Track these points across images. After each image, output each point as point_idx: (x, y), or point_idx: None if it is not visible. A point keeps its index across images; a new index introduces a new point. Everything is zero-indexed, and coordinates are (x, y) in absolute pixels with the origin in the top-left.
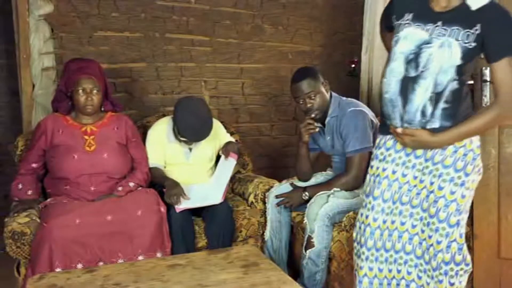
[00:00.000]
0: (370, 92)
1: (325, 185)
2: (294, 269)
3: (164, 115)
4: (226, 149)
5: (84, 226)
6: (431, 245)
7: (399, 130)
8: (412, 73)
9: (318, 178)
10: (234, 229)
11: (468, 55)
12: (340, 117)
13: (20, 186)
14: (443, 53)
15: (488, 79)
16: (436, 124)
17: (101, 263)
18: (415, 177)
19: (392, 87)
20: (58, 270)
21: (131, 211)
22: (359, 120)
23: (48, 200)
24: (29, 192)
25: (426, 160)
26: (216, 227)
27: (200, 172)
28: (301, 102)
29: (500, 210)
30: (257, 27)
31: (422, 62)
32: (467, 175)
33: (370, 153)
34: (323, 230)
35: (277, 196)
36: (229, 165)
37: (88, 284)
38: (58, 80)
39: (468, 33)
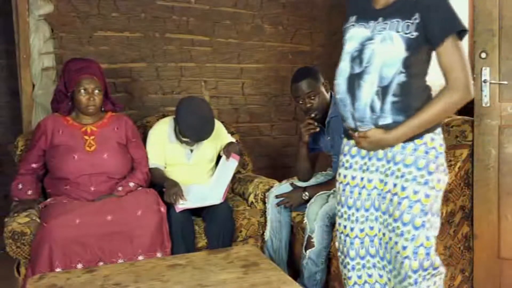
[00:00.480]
0: None
1: (325, 185)
2: (294, 269)
3: (164, 115)
4: (227, 150)
5: (84, 226)
6: (398, 252)
7: (355, 135)
8: (357, 70)
9: (318, 178)
10: (234, 229)
11: (412, 46)
12: (340, 118)
13: (20, 186)
14: (385, 46)
15: (488, 79)
16: (388, 119)
17: (101, 263)
18: (381, 181)
19: (341, 87)
20: (58, 270)
21: (131, 211)
22: None
23: (48, 200)
24: (29, 192)
25: (388, 162)
26: (216, 227)
27: (200, 172)
28: (301, 102)
29: (500, 210)
30: (257, 27)
31: (366, 57)
32: (430, 173)
33: None
34: (323, 230)
35: (277, 196)
36: (230, 166)
37: (88, 284)
38: (58, 80)
39: (407, 23)
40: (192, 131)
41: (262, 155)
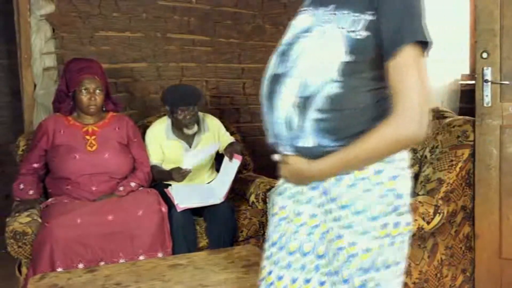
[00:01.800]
0: None
1: None
2: None
3: (165, 115)
4: (229, 150)
5: (85, 226)
6: None
7: (276, 157)
8: (280, 70)
9: None
10: (235, 229)
11: (356, 49)
12: None
13: (21, 186)
14: (319, 44)
15: (489, 78)
16: (308, 141)
17: (102, 263)
18: (314, 215)
19: (262, 89)
20: (59, 270)
21: (132, 211)
22: None
23: (49, 200)
24: (31, 192)
25: (324, 193)
26: (217, 227)
27: (199, 170)
28: None
29: (501, 210)
30: (258, 27)
31: (293, 55)
32: (373, 219)
33: None
34: None
35: None
36: (233, 166)
37: (89, 284)
38: (59, 80)
39: (356, 18)
40: (178, 95)
41: (263, 155)
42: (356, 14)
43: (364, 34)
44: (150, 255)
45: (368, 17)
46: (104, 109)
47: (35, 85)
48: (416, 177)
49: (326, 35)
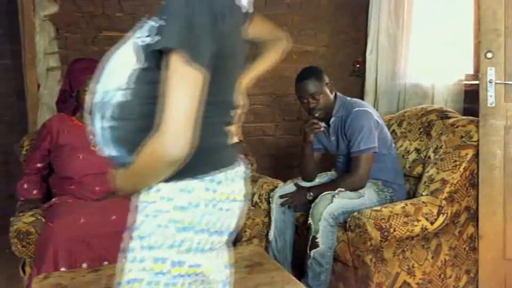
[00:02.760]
0: (376, 92)
1: (330, 185)
2: (298, 269)
3: None
4: None
5: (89, 226)
6: None
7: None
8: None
9: (322, 178)
10: (238, 229)
11: (139, 56)
12: (344, 117)
13: (25, 185)
14: (120, 53)
15: (493, 79)
16: (111, 151)
17: (105, 263)
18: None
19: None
20: (63, 269)
21: None
22: (364, 120)
23: (53, 199)
24: (34, 192)
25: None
26: None
27: None
28: (304, 102)
29: (505, 210)
30: None
31: (106, 66)
32: (149, 248)
33: (375, 153)
34: (327, 231)
35: (281, 196)
36: None
37: (93, 283)
38: (63, 80)
39: (152, 25)
40: None
41: (266, 155)
42: (154, 22)
43: (147, 40)
44: None
45: (158, 22)
46: None
47: (39, 85)
48: (419, 177)
49: (128, 43)
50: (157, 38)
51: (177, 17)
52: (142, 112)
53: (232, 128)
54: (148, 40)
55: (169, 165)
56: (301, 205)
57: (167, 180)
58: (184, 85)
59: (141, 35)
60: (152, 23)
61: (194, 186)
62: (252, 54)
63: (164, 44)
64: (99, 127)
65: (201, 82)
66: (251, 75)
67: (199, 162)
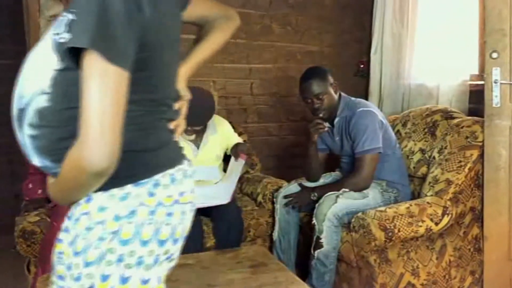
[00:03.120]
0: (380, 92)
1: (334, 186)
2: (302, 269)
3: None
4: (235, 150)
5: None
6: None
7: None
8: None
9: (326, 178)
10: (242, 229)
11: (59, 55)
12: (349, 118)
13: (30, 185)
14: (41, 47)
15: (498, 79)
16: (35, 160)
17: None
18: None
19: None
20: None
21: None
22: (368, 120)
23: None
24: (39, 192)
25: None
26: (224, 227)
27: None
28: (308, 102)
29: (510, 211)
30: (265, 27)
31: (28, 58)
32: (87, 265)
33: (379, 153)
34: (331, 231)
35: (285, 197)
36: (237, 166)
37: None
38: None
39: (68, 19)
40: (189, 114)
41: (270, 155)
42: (69, 15)
43: (66, 36)
44: None
45: (70, 17)
46: None
47: None
48: (424, 178)
49: (46, 40)
50: (68, 35)
51: (89, 9)
52: (63, 118)
53: (175, 124)
54: (67, 36)
55: (94, 176)
56: (305, 205)
57: (102, 188)
58: (101, 87)
59: (59, 31)
60: (70, 16)
61: (134, 192)
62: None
63: (74, 43)
64: (20, 136)
65: (121, 83)
66: (194, 61)
67: (136, 166)
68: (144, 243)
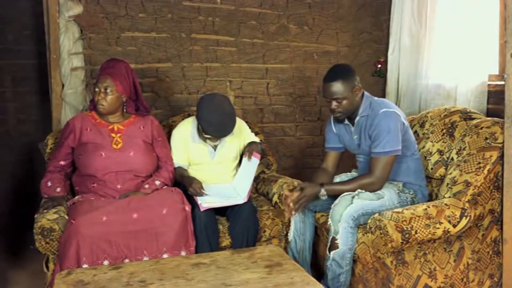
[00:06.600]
0: (398, 92)
1: (344, 184)
2: (317, 270)
3: (189, 115)
4: (249, 149)
5: (111, 224)
6: None
7: None
8: None
9: (342, 179)
10: (258, 229)
11: None
12: (371, 117)
13: (49, 183)
14: None
15: None
16: None
17: (126, 260)
18: None
19: None
20: (85, 266)
21: (157, 210)
22: (391, 121)
23: (76, 197)
24: (58, 190)
25: None
26: (240, 227)
27: (224, 171)
28: (328, 100)
29: None
30: (282, 27)
31: None
32: None
33: (397, 155)
34: (347, 232)
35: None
36: (252, 164)
37: (114, 280)
38: (86, 80)
39: None
40: (213, 127)
41: (286, 156)
42: None
43: None
44: (174, 254)
45: None
46: (125, 110)
47: (63, 85)
48: (442, 179)
49: None
50: None
51: None
52: None
53: None
54: None
55: None
56: (313, 199)
57: None
58: None
59: None
60: None
61: None
62: None
63: None
64: None
65: None
66: None
67: None
68: None
